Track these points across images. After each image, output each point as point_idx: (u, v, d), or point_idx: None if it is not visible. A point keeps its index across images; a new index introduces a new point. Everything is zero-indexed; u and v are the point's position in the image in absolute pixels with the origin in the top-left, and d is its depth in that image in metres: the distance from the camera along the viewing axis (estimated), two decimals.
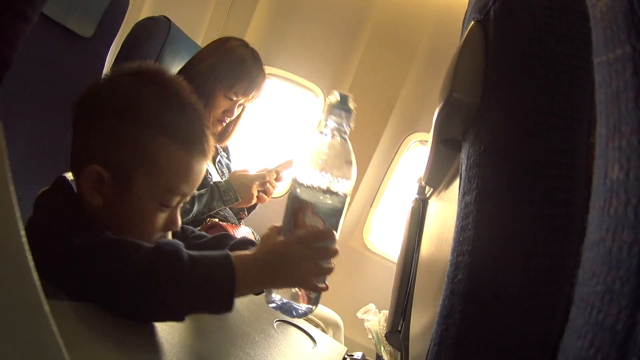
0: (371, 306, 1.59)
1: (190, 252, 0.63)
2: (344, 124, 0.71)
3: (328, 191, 0.69)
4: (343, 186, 0.70)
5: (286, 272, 0.67)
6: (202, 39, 2.51)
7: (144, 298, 0.61)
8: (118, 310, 0.61)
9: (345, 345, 1.13)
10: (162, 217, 0.77)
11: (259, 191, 1.73)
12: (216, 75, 1.63)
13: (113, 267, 0.61)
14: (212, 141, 0.80)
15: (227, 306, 0.63)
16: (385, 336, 1.11)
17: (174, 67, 1.84)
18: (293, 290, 0.72)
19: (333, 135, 0.71)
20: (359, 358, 1.11)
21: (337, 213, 0.70)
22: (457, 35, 0.69)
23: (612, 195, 0.20)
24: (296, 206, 0.69)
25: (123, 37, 1.72)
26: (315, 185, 0.69)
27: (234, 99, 1.68)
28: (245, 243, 0.89)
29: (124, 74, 0.79)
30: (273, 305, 0.73)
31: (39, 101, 1.25)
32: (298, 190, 0.70)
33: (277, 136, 2.60)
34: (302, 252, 0.67)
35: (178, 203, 0.78)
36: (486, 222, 0.39)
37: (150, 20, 1.80)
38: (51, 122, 1.29)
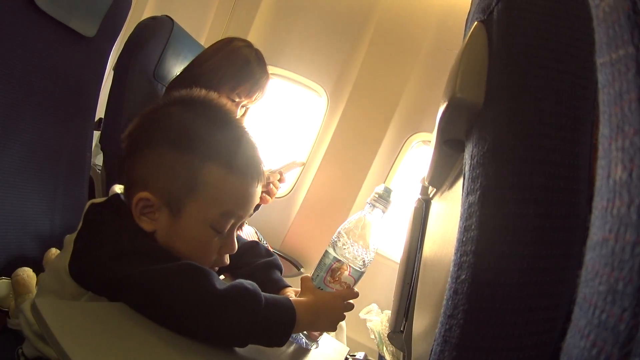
0: (373, 306, 1.59)
1: (264, 293, 0.71)
2: (385, 211, 0.91)
3: (365, 260, 0.89)
4: (371, 258, 0.90)
5: (327, 320, 0.81)
6: (205, 39, 2.52)
7: (222, 325, 0.66)
8: (189, 332, 0.66)
9: (347, 345, 1.13)
10: (216, 242, 0.79)
11: (262, 192, 1.73)
12: (220, 76, 1.63)
13: (198, 292, 0.66)
14: (264, 165, 0.84)
15: (282, 343, 0.72)
16: (388, 336, 1.11)
17: (177, 67, 1.84)
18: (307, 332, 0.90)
19: (376, 218, 0.91)
20: (361, 358, 1.11)
21: (362, 275, 0.91)
22: (460, 35, 0.69)
23: (615, 195, 0.20)
24: (336, 266, 0.88)
25: (126, 36, 1.73)
26: (357, 255, 0.88)
27: (237, 100, 1.68)
28: (273, 266, 1.02)
29: (173, 103, 0.81)
30: (290, 338, 0.87)
31: (41, 101, 1.25)
32: (342, 254, 0.88)
33: (280, 136, 2.61)
34: (340, 305, 0.83)
35: (233, 227, 0.81)
36: (490, 222, 0.39)
37: (153, 19, 1.80)
38: (53, 122, 1.30)
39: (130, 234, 0.74)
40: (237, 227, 0.83)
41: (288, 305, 0.73)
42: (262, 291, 0.91)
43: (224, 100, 0.85)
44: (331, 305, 0.82)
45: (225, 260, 0.83)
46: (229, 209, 0.78)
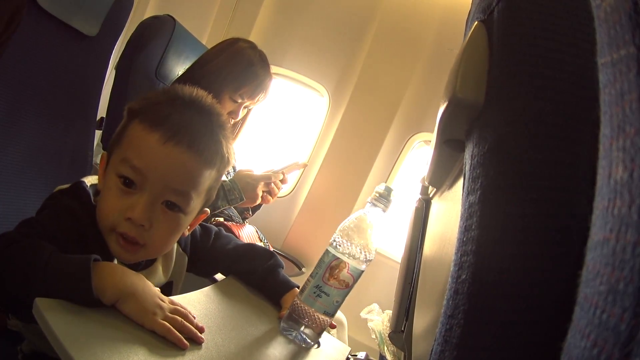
0: (375, 306, 1.59)
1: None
2: (385, 210, 0.92)
3: (365, 259, 0.90)
4: (372, 256, 0.91)
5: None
6: (206, 38, 2.52)
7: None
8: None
9: (348, 345, 1.13)
10: (120, 198, 0.76)
11: (263, 191, 1.73)
12: (223, 77, 1.63)
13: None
14: (208, 142, 0.80)
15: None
16: (389, 336, 1.11)
17: (179, 66, 1.84)
18: (307, 330, 0.90)
19: (376, 217, 0.91)
20: (363, 358, 1.11)
21: (362, 274, 0.91)
22: (461, 35, 0.69)
23: (616, 195, 0.20)
24: (335, 263, 0.89)
25: (127, 36, 1.73)
26: (357, 253, 0.89)
27: (239, 101, 1.68)
28: (277, 267, 1.04)
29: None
30: (290, 337, 0.90)
31: (43, 100, 1.25)
32: (341, 252, 0.89)
33: (281, 135, 2.61)
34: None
35: (138, 191, 0.76)
36: (490, 222, 0.39)
37: (154, 19, 1.80)
38: (55, 121, 1.30)
39: (61, 218, 0.76)
40: (141, 190, 0.76)
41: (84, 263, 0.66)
42: (271, 294, 0.98)
43: (208, 96, 0.85)
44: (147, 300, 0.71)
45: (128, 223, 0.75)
46: (127, 155, 0.76)
